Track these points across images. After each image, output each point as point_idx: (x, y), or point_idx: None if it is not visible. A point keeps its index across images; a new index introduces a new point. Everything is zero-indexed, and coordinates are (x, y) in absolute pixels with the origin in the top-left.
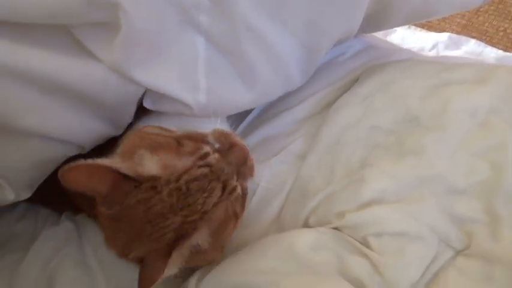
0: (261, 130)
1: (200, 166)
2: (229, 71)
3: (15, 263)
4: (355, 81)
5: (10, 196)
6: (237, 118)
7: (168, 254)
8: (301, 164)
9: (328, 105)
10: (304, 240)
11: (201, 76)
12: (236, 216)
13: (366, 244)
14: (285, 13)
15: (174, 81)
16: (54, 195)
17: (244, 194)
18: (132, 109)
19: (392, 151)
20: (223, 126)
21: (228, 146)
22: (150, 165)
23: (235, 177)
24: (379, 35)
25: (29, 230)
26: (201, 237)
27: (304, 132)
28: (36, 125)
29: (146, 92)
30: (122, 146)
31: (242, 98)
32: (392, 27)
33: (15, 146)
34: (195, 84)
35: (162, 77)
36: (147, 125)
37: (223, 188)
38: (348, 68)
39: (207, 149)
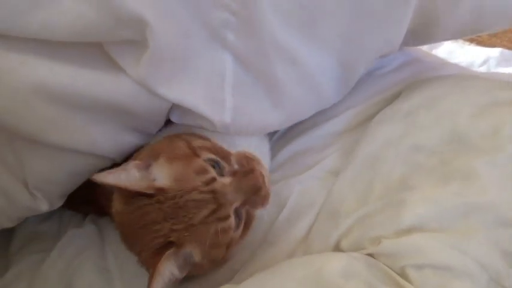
0: (293, 144)
1: (202, 192)
2: (257, 90)
3: (37, 264)
4: (397, 95)
5: (44, 207)
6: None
7: (158, 260)
8: (333, 181)
9: (367, 120)
10: (334, 265)
11: (227, 94)
12: (227, 245)
13: (404, 276)
14: (317, 30)
15: (199, 98)
16: (79, 197)
17: (248, 221)
18: (161, 120)
19: (436, 173)
20: (261, 142)
21: (246, 170)
22: (162, 176)
23: (234, 205)
24: (424, 48)
25: (52, 231)
26: (191, 249)
27: (338, 147)
28: (66, 140)
29: (173, 105)
30: (150, 148)
31: (270, 118)
32: (438, 42)
33: (48, 159)
34: (221, 103)
35: (187, 93)
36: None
37: (214, 211)
38: (390, 81)
39: (212, 174)
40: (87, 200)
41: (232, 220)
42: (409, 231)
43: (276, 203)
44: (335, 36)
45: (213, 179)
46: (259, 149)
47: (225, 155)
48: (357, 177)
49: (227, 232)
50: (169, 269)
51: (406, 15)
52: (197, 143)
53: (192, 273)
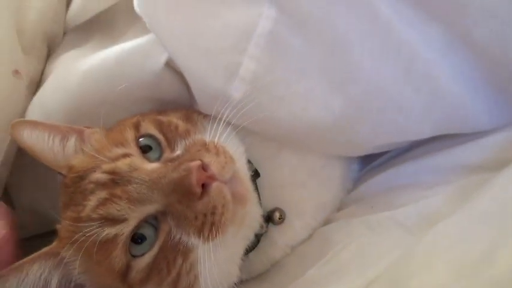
0: (388, 174)
1: (104, 171)
2: (307, 60)
3: None
4: None
5: None
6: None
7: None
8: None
9: None
10: None
11: (247, 58)
12: (120, 275)
13: None
14: None
15: (199, 51)
16: None
17: (173, 251)
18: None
19: None
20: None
21: (183, 160)
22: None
23: (143, 209)
24: None
25: None
26: (72, 257)
27: (457, 188)
28: None
29: None
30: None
31: (325, 107)
32: None
33: None
34: (232, 67)
35: (183, 35)
36: None
37: (103, 202)
38: None
39: (127, 150)
40: None
41: (127, 229)
42: None
43: (316, 250)
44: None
45: (124, 156)
46: (314, 171)
47: (174, 137)
48: (468, 231)
49: (112, 247)
50: (34, 276)
51: None
52: (164, 117)
53: None
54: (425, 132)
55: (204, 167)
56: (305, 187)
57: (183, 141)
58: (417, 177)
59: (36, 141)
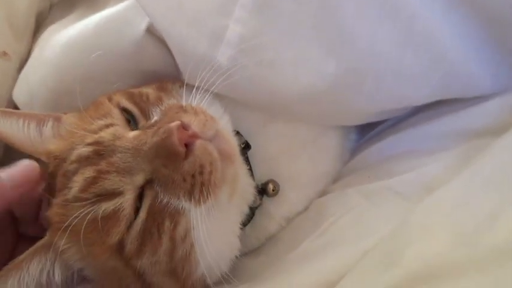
0: (385, 142)
1: (88, 144)
2: (299, 23)
3: None
4: None
5: None
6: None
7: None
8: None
9: None
10: None
11: (234, 19)
12: (115, 248)
13: None
14: None
15: (182, 16)
16: None
17: (160, 215)
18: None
19: None
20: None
21: (162, 123)
22: (64, 129)
23: (133, 178)
24: None
25: None
26: (66, 245)
27: (457, 153)
28: None
29: None
30: None
31: (319, 79)
32: None
33: None
34: (220, 28)
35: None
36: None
37: (94, 180)
38: None
39: (110, 120)
40: None
41: (126, 202)
42: None
43: (311, 222)
44: None
45: (108, 126)
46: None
47: (148, 106)
48: (469, 198)
49: (113, 222)
50: (34, 271)
51: None
52: (135, 89)
53: None
54: (425, 98)
55: (184, 127)
56: (299, 158)
57: (157, 109)
58: (416, 145)
59: (11, 129)
